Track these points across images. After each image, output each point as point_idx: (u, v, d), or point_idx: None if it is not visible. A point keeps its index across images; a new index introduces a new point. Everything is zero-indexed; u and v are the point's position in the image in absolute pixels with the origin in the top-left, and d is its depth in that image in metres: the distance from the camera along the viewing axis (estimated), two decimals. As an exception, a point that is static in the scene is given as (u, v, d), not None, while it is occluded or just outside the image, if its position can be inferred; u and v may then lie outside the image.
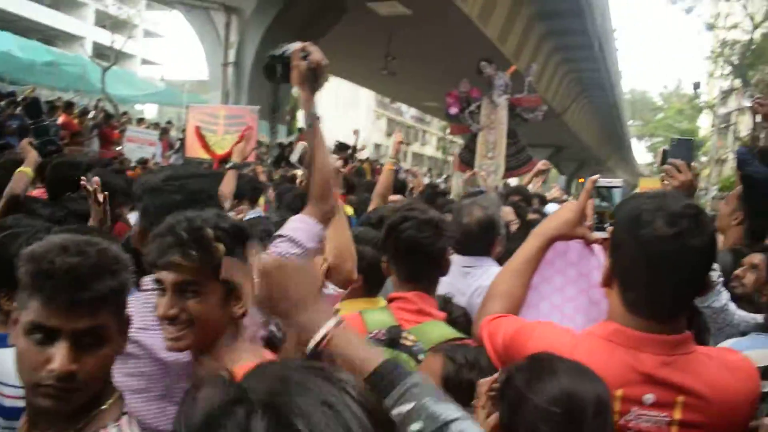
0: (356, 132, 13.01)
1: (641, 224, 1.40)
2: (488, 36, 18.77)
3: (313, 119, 2.02)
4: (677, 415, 1.40)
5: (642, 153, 73.92)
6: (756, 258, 2.66)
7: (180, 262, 1.46)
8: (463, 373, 1.68)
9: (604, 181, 1.77)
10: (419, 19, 16.81)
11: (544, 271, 1.82)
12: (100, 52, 36.55)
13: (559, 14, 21.92)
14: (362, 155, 14.42)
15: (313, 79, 1.99)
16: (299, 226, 1.98)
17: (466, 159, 12.29)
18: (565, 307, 1.89)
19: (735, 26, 32.27)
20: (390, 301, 2.18)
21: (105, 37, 34.91)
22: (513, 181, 12.52)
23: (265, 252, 1.77)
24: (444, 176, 31.35)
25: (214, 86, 15.59)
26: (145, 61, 45.74)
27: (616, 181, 1.75)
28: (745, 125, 32.89)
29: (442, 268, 2.19)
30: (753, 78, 29.41)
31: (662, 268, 1.39)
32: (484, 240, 2.93)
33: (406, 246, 2.09)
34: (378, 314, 2.13)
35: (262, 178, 8.25)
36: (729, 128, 39.09)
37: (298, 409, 0.68)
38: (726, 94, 37.76)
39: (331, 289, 2.18)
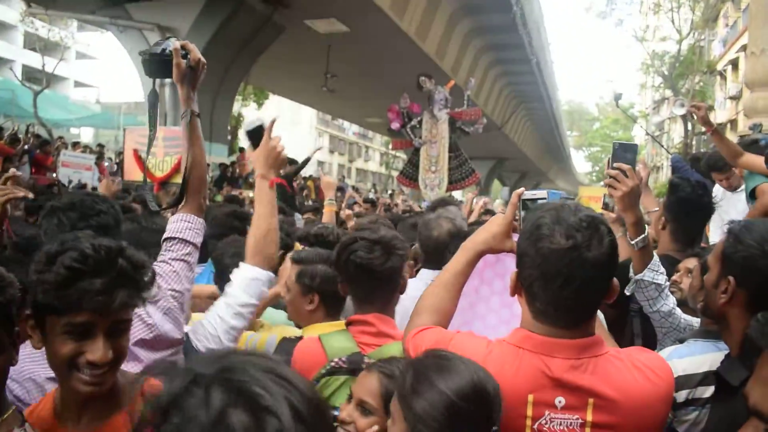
0: (318, 149, 13.17)
1: (540, 237, 1.42)
2: (426, 51, 18.97)
3: (192, 115, 2.08)
4: (589, 416, 1.41)
5: (581, 162, 75.91)
6: (690, 263, 2.68)
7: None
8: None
9: (529, 194, 1.76)
10: (358, 36, 16.86)
11: (472, 280, 1.84)
12: (31, 75, 35.45)
13: (494, 29, 22.35)
14: (305, 173, 14.31)
15: (192, 77, 2.06)
16: (184, 226, 2.00)
17: (410, 174, 12.34)
18: (489, 317, 1.93)
19: (664, 39, 33.55)
20: (349, 323, 2.12)
21: (35, 60, 33.98)
22: (457, 194, 12.62)
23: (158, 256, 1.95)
24: (389, 192, 31.46)
25: (151, 108, 15.27)
26: (78, 84, 44.61)
27: (540, 193, 1.73)
28: (677, 133, 34.09)
29: (398, 287, 2.15)
30: (683, 87, 30.55)
31: (560, 280, 1.39)
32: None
33: (356, 268, 2.05)
34: (338, 339, 2.06)
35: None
36: (662, 136, 40.48)
37: (249, 377, 0.75)
38: (658, 104, 39.12)
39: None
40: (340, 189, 21.33)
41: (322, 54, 17.64)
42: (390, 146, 19.24)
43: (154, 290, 1.47)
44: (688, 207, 3.01)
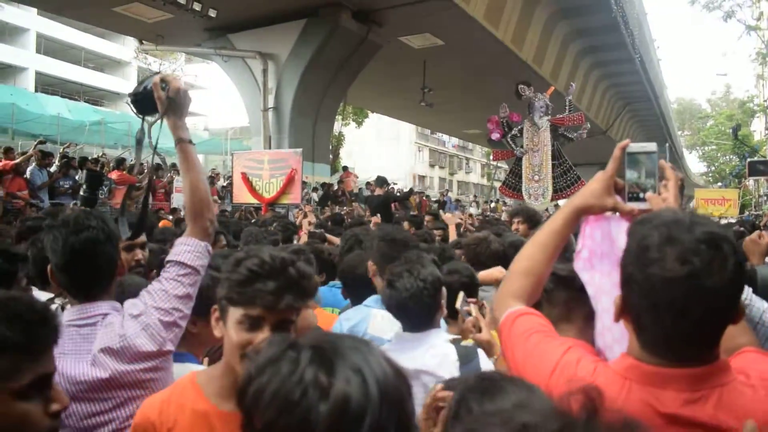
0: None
1: (649, 261, 1.21)
2: (524, 59, 18.64)
3: (181, 143, 2.14)
4: None
5: (695, 163, 72.08)
6: None
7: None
8: None
9: (636, 146, 1.55)
10: (453, 49, 16.80)
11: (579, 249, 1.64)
12: (145, 108, 37.69)
13: (593, 30, 21.68)
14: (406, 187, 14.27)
15: (176, 106, 2.12)
16: (183, 249, 2.06)
17: (512, 184, 12.11)
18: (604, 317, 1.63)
19: (779, 25, 31.49)
20: None
21: (149, 94, 36.01)
22: (563, 203, 12.26)
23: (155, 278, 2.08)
24: (492, 202, 31.10)
25: (256, 132, 15.79)
26: (188, 113, 46.99)
27: (649, 146, 1.52)
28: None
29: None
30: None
31: (675, 312, 1.19)
32: None
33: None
34: None
35: (311, 217, 8.22)
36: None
37: (339, 348, 0.91)
38: (777, 95, 36.67)
39: None
40: (442, 204, 21.27)
41: (418, 69, 17.70)
42: (491, 157, 18.99)
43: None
44: None
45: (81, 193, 11.16)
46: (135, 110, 2.19)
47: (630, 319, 1.31)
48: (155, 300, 1.98)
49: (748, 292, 2.11)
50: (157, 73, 2.27)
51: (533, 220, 5.44)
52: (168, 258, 2.07)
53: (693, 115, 73.23)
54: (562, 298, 1.86)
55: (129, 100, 2.21)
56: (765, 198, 26.86)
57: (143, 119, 2.21)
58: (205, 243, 2.10)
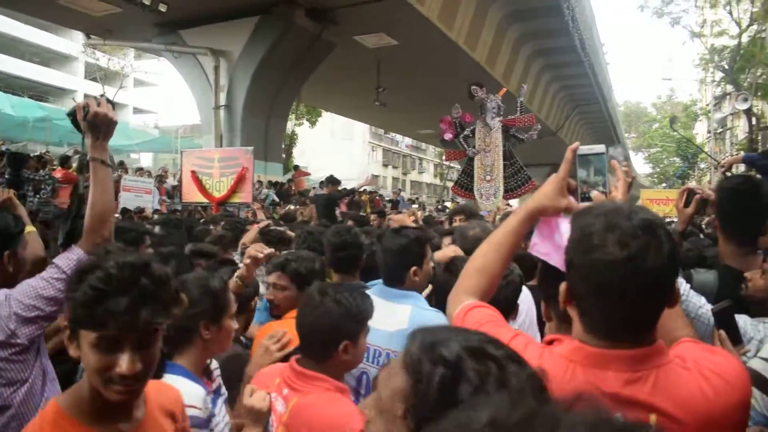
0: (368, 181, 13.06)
1: (591, 247, 1.27)
2: (476, 60, 18.83)
3: (93, 161, 2.24)
4: None
5: (640, 165, 73.91)
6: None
7: None
8: None
9: (585, 149, 1.61)
10: (407, 49, 16.87)
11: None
12: (93, 105, 36.75)
13: (545, 33, 22.05)
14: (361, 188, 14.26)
15: (93, 129, 2.24)
16: (65, 255, 2.15)
17: (464, 184, 12.21)
18: None
19: (722, 33, 32.55)
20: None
21: (96, 89, 35.29)
22: (514, 203, 12.42)
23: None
24: (445, 202, 31.32)
25: (207, 130, 15.57)
26: (137, 110, 46.11)
27: (598, 148, 1.58)
28: (741, 129, 32.94)
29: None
30: (744, 81, 29.55)
31: (615, 294, 1.26)
32: None
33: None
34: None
35: (261, 216, 8.14)
36: (725, 132, 39.15)
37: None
38: (719, 100, 37.90)
39: None
40: (395, 203, 21.33)
41: (372, 69, 17.72)
42: (443, 157, 19.17)
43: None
44: (737, 202, 2.83)
45: (6, 175, 10.88)
46: (73, 125, 2.33)
47: (574, 305, 1.37)
48: (20, 293, 2.02)
49: (686, 288, 2.18)
50: (102, 96, 2.40)
51: (475, 217, 5.50)
52: (54, 259, 2.14)
53: (639, 118, 75.15)
54: None
55: (68, 115, 2.37)
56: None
57: (83, 134, 2.32)
58: (85, 254, 2.17)
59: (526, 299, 2.92)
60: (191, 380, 2.11)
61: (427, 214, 12.82)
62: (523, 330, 3.33)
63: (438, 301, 3.05)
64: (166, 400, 1.74)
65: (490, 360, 1.05)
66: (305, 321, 2.16)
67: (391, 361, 1.17)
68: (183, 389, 1.93)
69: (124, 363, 1.43)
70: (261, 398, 2.06)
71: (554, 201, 1.58)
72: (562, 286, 1.38)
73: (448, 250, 3.67)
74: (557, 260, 1.56)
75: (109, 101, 2.33)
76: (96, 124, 2.24)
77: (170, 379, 2.06)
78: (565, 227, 1.51)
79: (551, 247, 1.60)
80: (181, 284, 2.17)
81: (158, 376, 1.97)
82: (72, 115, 2.31)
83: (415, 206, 19.64)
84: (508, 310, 2.66)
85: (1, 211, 2.54)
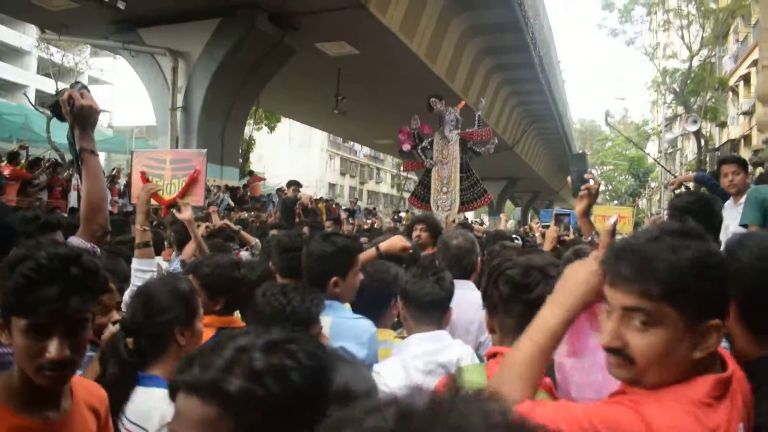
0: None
1: None
2: (436, 73, 18.99)
3: (83, 152, 2.33)
4: None
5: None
6: None
7: None
8: None
9: (559, 210, 1.65)
10: (368, 59, 16.91)
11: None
12: (44, 100, 35.78)
13: (504, 49, 22.38)
14: (317, 195, 14.26)
15: (80, 120, 2.32)
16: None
17: (421, 195, 12.26)
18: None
19: (673, 55, 33.53)
20: (490, 356, 1.88)
21: (49, 86, 34.38)
22: (469, 215, 12.51)
23: None
24: (401, 212, 31.38)
25: (163, 131, 15.28)
26: (92, 109, 45.10)
27: (567, 210, 1.63)
28: (690, 150, 33.88)
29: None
30: (695, 104, 30.47)
31: None
32: None
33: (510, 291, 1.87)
34: (470, 374, 1.91)
35: (216, 219, 8.03)
36: (676, 153, 40.25)
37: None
38: (670, 121, 38.98)
39: None
40: (351, 212, 21.32)
41: (332, 76, 17.69)
42: (401, 168, 19.24)
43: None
44: (681, 215, 2.93)
45: None
46: (55, 117, 2.41)
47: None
48: None
49: None
50: (76, 83, 2.47)
51: (436, 229, 5.49)
52: None
53: (593, 136, 76.77)
54: (519, 309, 1.82)
55: (49, 107, 2.44)
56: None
57: (69, 124, 2.37)
58: (91, 244, 2.28)
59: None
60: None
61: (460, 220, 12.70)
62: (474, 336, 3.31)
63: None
64: (92, 397, 1.79)
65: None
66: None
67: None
68: (161, 404, 1.86)
69: (53, 349, 1.50)
70: None
71: (596, 287, 1.45)
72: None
73: (396, 239, 3.62)
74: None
75: (86, 89, 2.40)
76: (82, 115, 2.32)
77: (147, 392, 2.02)
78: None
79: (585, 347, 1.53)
80: (149, 291, 2.21)
81: (130, 387, 2.02)
82: (54, 106, 2.36)
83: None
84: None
85: None
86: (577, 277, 1.50)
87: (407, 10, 15.73)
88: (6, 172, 12.35)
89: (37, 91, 37.38)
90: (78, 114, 2.31)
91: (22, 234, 2.61)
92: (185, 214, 4.59)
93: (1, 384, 1.59)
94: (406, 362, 2.41)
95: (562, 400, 1.50)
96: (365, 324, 2.79)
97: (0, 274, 1.53)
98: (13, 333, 1.52)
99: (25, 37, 36.91)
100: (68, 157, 18.66)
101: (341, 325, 2.64)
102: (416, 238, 5.27)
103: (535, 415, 1.17)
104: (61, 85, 28.92)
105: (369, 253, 3.51)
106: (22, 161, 13.72)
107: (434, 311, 2.63)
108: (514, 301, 1.86)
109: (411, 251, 3.71)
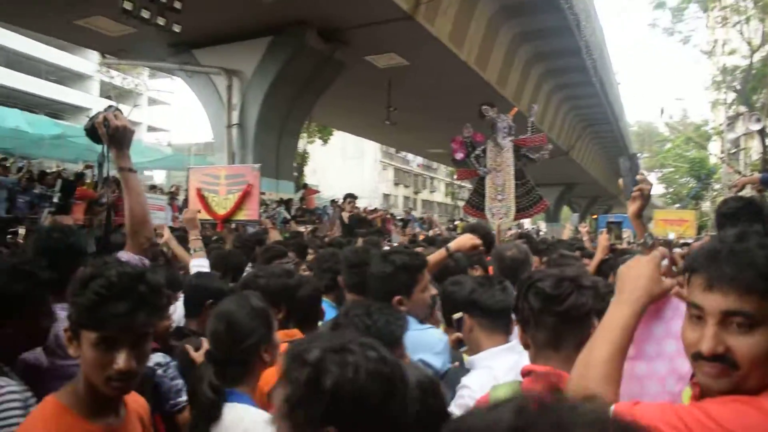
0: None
1: None
2: (487, 80, 18.88)
3: (121, 171, 2.43)
4: None
5: (654, 185, 73.59)
6: None
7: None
8: None
9: (610, 217, 1.63)
10: (418, 69, 16.94)
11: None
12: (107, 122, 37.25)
13: (556, 54, 22.08)
14: (371, 206, 14.36)
15: (116, 141, 2.42)
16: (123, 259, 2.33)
17: (476, 203, 12.18)
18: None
19: (733, 52, 32.49)
20: (525, 374, 1.87)
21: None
22: (525, 222, 12.36)
23: None
24: (455, 221, 31.27)
25: (220, 148, 15.65)
26: (151, 128, 46.55)
27: (619, 216, 1.61)
28: (754, 149, 32.74)
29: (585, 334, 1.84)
30: (757, 102, 29.43)
31: None
32: None
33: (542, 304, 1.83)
34: (506, 392, 1.82)
35: (274, 234, 8.15)
36: (739, 153, 38.94)
37: None
38: (732, 120, 37.75)
39: None
40: (406, 221, 21.32)
41: (383, 88, 17.79)
42: (455, 177, 19.20)
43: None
44: (729, 222, 2.83)
45: (55, 200, 11.05)
46: (91, 139, 2.52)
47: None
48: None
49: None
50: (110, 106, 2.56)
51: (487, 238, 5.41)
52: None
53: (652, 138, 74.92)
54: (551, 322, 1.79)
55: (84, 130, 2.55)
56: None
57: (102, 145, 2.49)
58: (139, 256, 2.38)
59: None
60: (258, 408, 2.06)
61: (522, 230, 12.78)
62: None
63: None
64: (138, 406, 1.91)
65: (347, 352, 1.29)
66: None
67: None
68: (253, 419, 1.94)
69: (121, 360, 1.61)
70: None
71: (661, 283, 1.51)
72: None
73: (466, 238, 3.58)
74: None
75: (119, 110, 2.51)
76: (118, 136, 2.42)
77: (236, 408, 2.03)
78: (674, 308, 1.47)
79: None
80: (230, 319, 2.22)
81: (220, 407, 2.05)
82: (90, 130, 2.46)
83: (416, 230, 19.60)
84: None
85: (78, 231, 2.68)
86: (635, 272, 1.51)
87: (455, 19, 15.71)
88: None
89: (98, 112, 38.74)
90: (113, 135, 2.40)
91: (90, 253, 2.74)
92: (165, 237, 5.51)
93: (69, 393, 1.70)
94: (497, 375, 2.32)
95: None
96: (436, 333, 2.76)
97: (73, 291, 1.64)
98: (82, 346, 1.63)
99: (87, 62, 38.39)
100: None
101: (412, 338, 2.58)
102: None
103: (637, 415, 1.21)
104: (122, 107, 30.12)
105: (439, 254, 3.49)
106: (88, 181, 14.21)
107: (504, 319, 2.57)
108: (545, 314, 1.82)
109: (481, 248, 3.67)
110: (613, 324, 1.47)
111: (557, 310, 1.79)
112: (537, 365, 1.80)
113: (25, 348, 2.08)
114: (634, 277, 1.51)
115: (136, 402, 1.90)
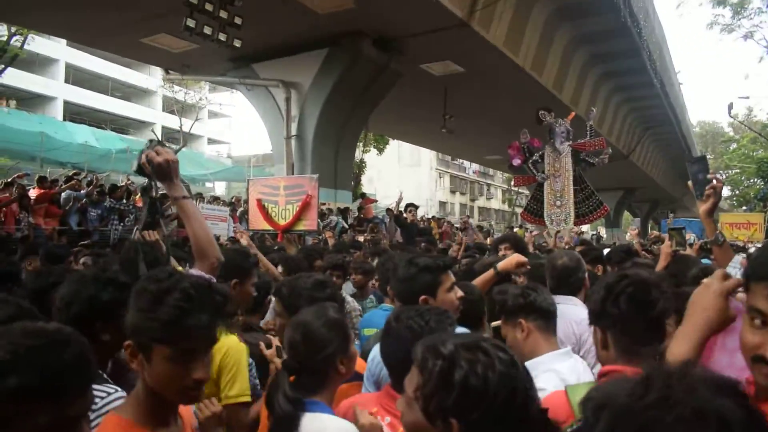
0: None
1: None
2: (544, 84, 18.69)
3: (175, 201, 2.48)
4: None
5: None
6: None
7: None
8: None
9: (673, 223, 1.62)
10: (473, 75, 16.92)
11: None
12: (170, 135, 38.40)
13: (613, 55, 21.68)
14: (429, 214, 14.46)
15: (162, 175, 2.45)
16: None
17: (534, 209, 12.08)
18: None
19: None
20: (602, 375, 1.92)
21: (173, 122, 36.71)
22: (585, 228, 12.18)
23: None
24: (513, 229, 30.97)
25: (279, 159, 15.95)
26: (211, 141, 47.73)
27: (680, 222, 1.58)
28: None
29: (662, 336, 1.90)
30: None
31: None
32: None
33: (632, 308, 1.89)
34: (584, 392, 1.88)
35: (332, 243, 8.23)
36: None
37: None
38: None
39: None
40: (464, 229, 21.25)
41: (438, 96, 17.83)
42: (512, 183, 19.02)
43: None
44: None
45: (146, 218, 11.46)
46: (142, 176, 2.56)
47: None
48: None
49: None
50: (151, 141, 2.63)
51: (520, 247, 5.37)
52: None
53: (716, 139, 72.56)
54: (641, 326, 1.86)
55: (135, 172, 2.61)
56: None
57: (149, 178, 2.56)
58: (209, 276, 2.34)
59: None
60: (337, 417, 2.08)
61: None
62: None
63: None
64: (188, 415, 1.91)
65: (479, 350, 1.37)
66: (382, 350, 2.16)
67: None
68: (336, 427, 1.96)
69: (201, 370, 1.62)
70: (371, 417, 2.03)
71: (728, 313, 1.48)
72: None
73: (513, 258, 3.63)
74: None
75: (160, 143, 2.56)
76: (162, 171, 2.44)
77: (316, 418, 2.02)
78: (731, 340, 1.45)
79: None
80: (307, 329, 2.22)
81: (299, 418, 2.01)
82: (139, 170, 2.51)
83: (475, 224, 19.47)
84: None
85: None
86: (702, 304, 1.50)
87: (510, 25, 15.64)
88: (140, 205, 13.24)
89: (164, 128, 40.07)
90: (158, 170, 2.44)
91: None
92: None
93: (132, 407, 1.69)
94: (564, 378, 2.33)
95: None
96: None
97: (143, 306, 1.62)
98: (153, 359, 1.60)
99: (151, 78, 39.70)
100: (193, 188, 19.80)
101: None
102: (502, 257, 5.20)
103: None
104: (185, 121, 30.72)
105: (487, 275, 3.52)
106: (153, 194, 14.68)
107: (554, 320, 2.66)
108: (634, 319, 1.87)
109: (528, 267, 3.69)
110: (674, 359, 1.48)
111: (648, 315, 1.86)
112: (617, 366, 1.86)
113: (117, 351, 2.17)
114: (700, 309, 1.51)
115: (186, 411, 1.91)
